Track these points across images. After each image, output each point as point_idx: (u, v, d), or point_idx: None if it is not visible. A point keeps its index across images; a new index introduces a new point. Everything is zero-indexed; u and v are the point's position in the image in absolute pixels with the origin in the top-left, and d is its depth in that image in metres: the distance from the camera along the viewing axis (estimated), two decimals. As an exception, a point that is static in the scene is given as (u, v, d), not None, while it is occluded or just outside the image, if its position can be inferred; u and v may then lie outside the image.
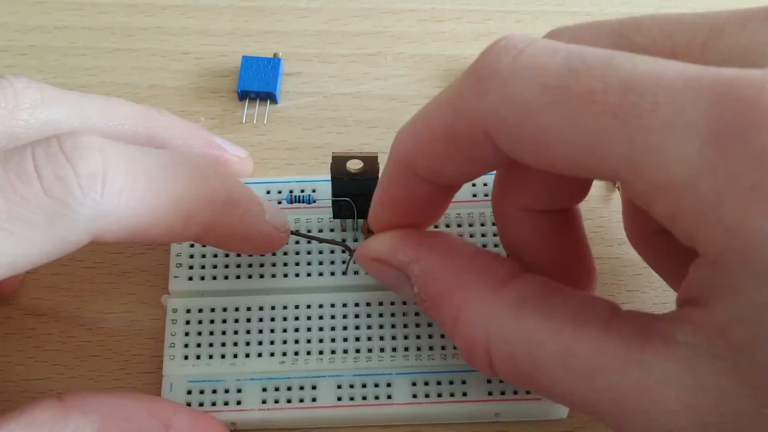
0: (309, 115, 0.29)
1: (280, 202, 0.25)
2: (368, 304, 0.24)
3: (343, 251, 0.25)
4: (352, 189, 0.24)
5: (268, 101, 0.29)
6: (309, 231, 0.25)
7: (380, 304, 0.24)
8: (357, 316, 0.24)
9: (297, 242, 0.25)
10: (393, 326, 0.24)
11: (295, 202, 0.25)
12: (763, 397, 0.15)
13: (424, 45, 0.31)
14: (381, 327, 0.24)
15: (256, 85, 0.29)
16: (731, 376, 0.15)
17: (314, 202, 0.25)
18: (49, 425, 0.19)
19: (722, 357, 0.15)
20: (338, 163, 0.23)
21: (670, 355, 0.16)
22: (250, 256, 0.25)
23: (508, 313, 0.19)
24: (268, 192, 0.26)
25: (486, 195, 0.26)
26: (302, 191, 0.26)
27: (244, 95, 0.29)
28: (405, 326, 0.24)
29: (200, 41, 0.31)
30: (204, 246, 0.25)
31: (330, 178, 0.23)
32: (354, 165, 0.23)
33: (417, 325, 0.24)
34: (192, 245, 0.25)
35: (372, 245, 0.22)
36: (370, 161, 0.23)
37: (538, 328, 0.18)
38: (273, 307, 0.24)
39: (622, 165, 0.15)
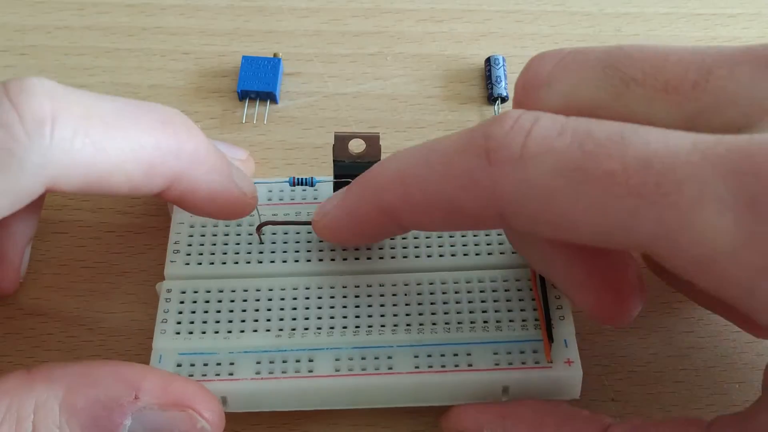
0: (309, 115, 0.29)
1: (281, 191, 0.25)
2: (368, 286, 0.23)
3: None
4: (354, 172, 0.23)
5: (268, 101, 0.29)
6: (309, 213, 0.24)
7: (381, 285, 0.23)
8: (357, 296, 0.23)
9: (297, 232, 0.24)
10: (395, 305, 0.23)
11: (298, 184, 0.25)
12: None
13: (424, 45, 0.31)
14: (382, 305, 0.23)
15: (256, 85, 0.29)
16: None
17: (316, 184, 0.25)
18: (11, 394, 0.18)
19: None
20: (340, 141, 0.23)
21: None
22: (238, 244, 0.24)
23: None
24: (270, 191, 0.26)
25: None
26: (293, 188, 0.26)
27: (244, 95, 0.29)
28: (407, 305, 0.23)
29: (200, 41, 0.31)
30: (203, 226, 0.24)
31: (332, 161, 0.24)
32: (356, 146, 0.23)
33: (419, 304, 0.23)
34: (191, 226, 0.24)
35: (456, 418, 0.21)
36: (372, 141, 0.23)
37: None
38: (270, 289, 0.23)
39: (654, 242, 0.15)
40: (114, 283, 0.26)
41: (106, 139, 0.18)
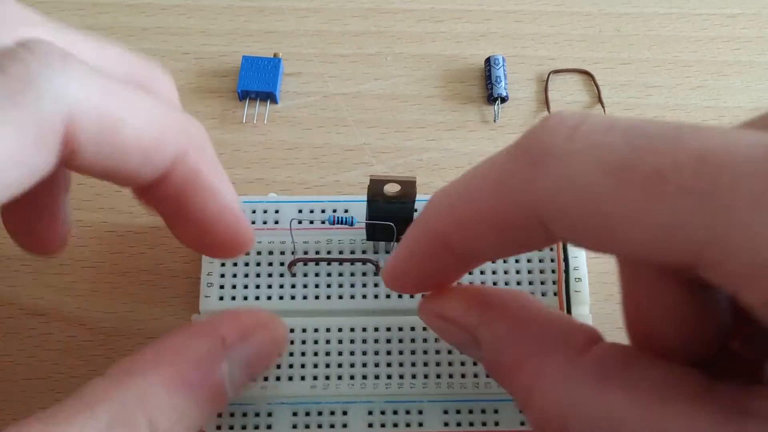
0: (309, 115, 0.29)
1: (323, 222, 0.25)
2: (400, 329, 0.24)
3: (364, 274, 0.24)
4: (388, 212, 0.23)
5: (268, 101, 0.29)
6: (341, 252, 0.25)
7: (412, 329, 0.24)
8: (389, 341, 0.23)
9: (329, 264, 0.24)
10: (425, 352, 0.23)
11: (338, 223, 0.24)
12: None
13: (423, 45, 0.31)
14: (413, 353, 0.23)
15: (256, 85, 0.29)
16: None
17: (355, 224, 0.24)
18: (105, 402, 0.18)
19: None
20: (375, 185, 0.22)
21: None
22: (271, 276, 0.24)
23: (588, 387, 0.17)
24: (300, 211, 0.25)
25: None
26: (335, 210, 0.25)
27: (244, 95, 0.29)
28: (437, 353, 0.23)
29: (200, 41, 0.31)
30: (235, 265, 0.24)
31: (365, 200, 0.23)
32: (391, 188, 0.22)
33: (449, 352, 0.23)
34: (223, 264, 0.24)
35: (438, 301, 0.20)
36: (409, 185, 0.22)
37: (622, 404, 0.16)
38: (304, 330, 0.23)
39: (705, 248, 0.14)
40: (114, 283, 0.26)
41: (120, 92, 0.17)
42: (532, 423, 0.18)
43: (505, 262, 0.24)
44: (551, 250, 0.24)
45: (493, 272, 0.24)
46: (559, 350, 0.18)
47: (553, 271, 0.24)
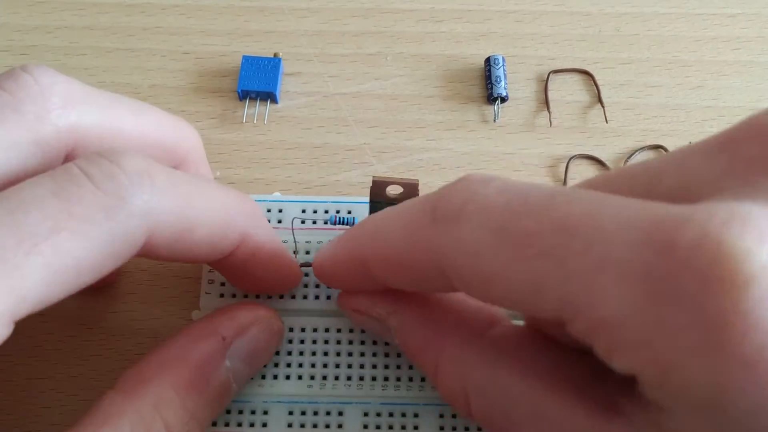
0: (309, 115, 0.29)
1: (325, 222, 0.25)
2: None
3: None
4: None
5: (269, 101, 0.29)
6: None
7: None
8: (387, 342, 0.23)
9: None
10: None
11: (339, 223, 0.25)
12: None
13: (423, 45, 0.31)
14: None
15: (256, 84, 0.29)
16: None
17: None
18: (122, 413, 0.19)
19: None
20: (378, 187, 0.22)
21: None
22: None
23: (485, 367, 0.19)
24: (303, 211, 0.25)
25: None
26: (338, 211, 0.25)
27: (244, 95, 0.29)
28: None
29: (200, 41, 0.31)
30: None
31: (368, 201, 0.23)
32: (393, 190, 0.23)
33: None
34: None
35: (351, 297, 0.22)
36: (411, 187, 0.22)
37: (513, 385, 0.18)
38: (303, 329, 0.24)
39: (560, 305, 0.15)
40: (114, 283, 0.26)
41: (190, 194, 0.19)
42: (443, 398, 0.20)
43: None
44: None
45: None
46: (460, 333, 0.20)
47: None
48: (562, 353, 0.18)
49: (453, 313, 0.20)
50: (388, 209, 0.20)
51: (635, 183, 0.17)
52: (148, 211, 0.18)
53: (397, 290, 0.21)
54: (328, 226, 0.25)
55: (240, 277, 0.23)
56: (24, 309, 0.17)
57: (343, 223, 0.24)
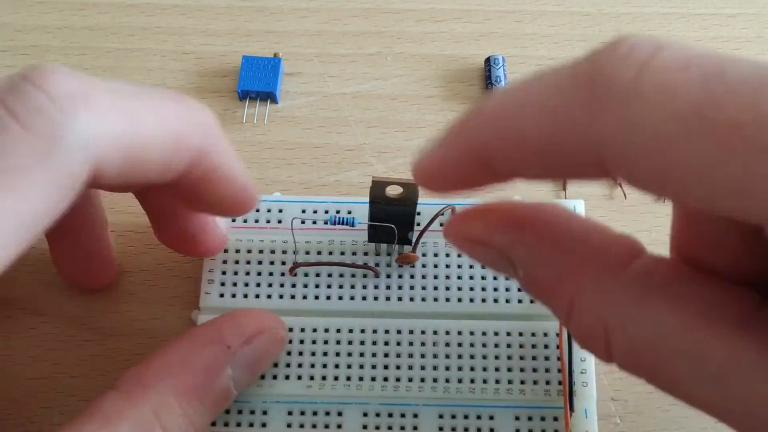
0: (309, 115, 0.29)
1: (325, 222, 0.25)
2: (398, 332, 0.24)
3: (364, 276, 0.24)
4: (390, 214, 0.23)
5: (269, 101, 0.29)
6: (342, 253, 0.25)
7: (410, 332, 0.24)
8: (386, 343, 0.23)
9: (330, 274, 0.24)
10: (422, 355, 0.23)
11: (339, 223, 0.24)
12: None
13: (423, 45, 0.31)
14: (410, 356, 0.23)
15: (256, 84, 0.29)
16: None
17: (356, 225, 0.24)
18: (122, 416, 0.19)
19: None
20: (377, 187, 0.22)
21: None
22: (271, 275, 0.24)
23: (631, 303, 0.16)
24: (303, 211, 0.25)
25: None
26: (338, 211, 0.25)
27: (244, 95, 0.29)
28: (434, 356, 0.23)
29: (200, 41, 0.31)
30: (236, 263, 0.24)
31: (368, 202, 0.23)
32: (393, 191, 0.22)
33: (447, 356, 0.23)
34: (224, 262, 0.24)
35: (464, 222, 0.19)
36: (410, 188, 0.22)
37: (665, 322, 0.16)
38: (302, 329, 0.24)
39: None
40: (114, 283, 0.26)
41: (136, 112, 0.17)
42: (576, 338, 0.18)
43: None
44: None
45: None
46: (598, 265, 0.17)
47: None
48: (719, 287, 0.16)
49: (588, 244, 0.17)
50: (518, 84, 0.16)
51: None
52: (89, 142, 0.16)
53: (521, 210, 0.18)
54: (328, 226, 0.25)
55: (190, 201, 0.21)
56: None
57: (343, 223, 0.24)
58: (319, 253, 0.25)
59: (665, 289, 0.16)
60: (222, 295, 0.24)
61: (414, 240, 0.24)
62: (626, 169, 0.14)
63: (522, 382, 0.23)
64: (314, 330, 0.24)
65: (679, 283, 0.16)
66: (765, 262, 0.16)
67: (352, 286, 0.24)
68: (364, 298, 0.24)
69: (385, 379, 0.23)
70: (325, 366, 0.23)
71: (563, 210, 0.18)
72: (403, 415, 0.23)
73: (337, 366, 0.23)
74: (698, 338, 0.15)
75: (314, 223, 0.25)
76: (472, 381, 0.23)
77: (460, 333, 0.23)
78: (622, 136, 0.14)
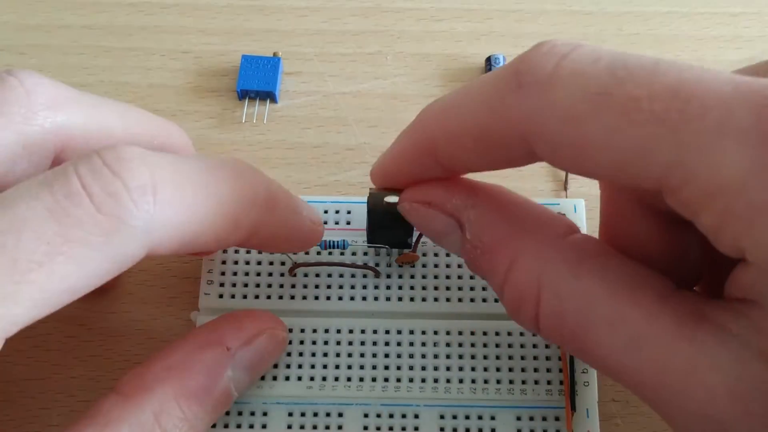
0: (309, 114, 0.29)
1: (325, 222, 0.24)
2: (398, 332, 0.23)
3: (364, 276, 0.24)
4: (389, 220, 0.23)
5: (268, 100, 0.29)
6: (342, 253, 0.25)
7: (410, 332, 0.23)
8: (387, 343, 0.23)
9: (329, 274, 0.24)
10: (423, 356, 0.23)
11: (329, 247, 0.24)
12: None
13: (424, 44, 0.31)
14: (410, 356, 0.23)
15: (255, 84, 0.29)
16: None
17: (348, 247, 0.24)
18: (122, 420, 0.19)
19: None
20: (375, 196, 0.22)
21: (722, 342, 0.15)
22: (271, 275, 0.24)
23: (565, 268, 0.18)
24: None
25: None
26: (337, 212, 0.25)
27: (243, 94, 0.29)
28: (435, 357, 0.23)
29: (200, 40, 0.31)
30: (235, 263, 0.24)
31: (366, 209, 0.23)
32: (391, 198, 0.22)
33: (447, 356, 0.23)
34: (223, 262, 0.24)
35: (422, 188, 0.21)
36: None
37: (593, 287, 0.17)
38: (302, 330, 0.23)
39: (669, 171, 0.15)
40: (114, 283, 0.26)
41: (196, 199, 0.18)
42: (507, 300, 0.19)
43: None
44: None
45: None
46: (541, 233, 0.19)
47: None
48: (641, 267, 0.18)
49: (532, 214, 0.20)
50: (460, 86, 0.19)
51: None
52: (150, 231, 0.17)
53: (472, 184, 0.20)
54: (328, 226, 0.25)
55: (258, 248, 0.23)
56: (15, 329, 0.17)
57: (333, 247, 0.24)
58: (318, 253, 0.25)
59: (596, 258, 0.18)
60: (221, 296, 0.24)
61: (414, 241, 0.24)
62: (547, 144, 0.17)
63: (523, 382, 0.23)
64: (314, 330, 0.23)
65: (607, 257, 0.18)
66: (674, 251, 0.19)
67: (352, 287, 0.24)
68: (364, 299, 0.24)
69: (386, 380, 0.23)
70: (325, 367, 0.23)
71: (509, 190, 0.21)
72: (404, 416, 0.23)
73: (337, 367, 0.23)
74: (620, 304, 0.17)
75: (325, 223, 0.25)
76: (473, 381, 0.23)
77: (460, 333, 0.23)
78: (542, 116, 0.16)
